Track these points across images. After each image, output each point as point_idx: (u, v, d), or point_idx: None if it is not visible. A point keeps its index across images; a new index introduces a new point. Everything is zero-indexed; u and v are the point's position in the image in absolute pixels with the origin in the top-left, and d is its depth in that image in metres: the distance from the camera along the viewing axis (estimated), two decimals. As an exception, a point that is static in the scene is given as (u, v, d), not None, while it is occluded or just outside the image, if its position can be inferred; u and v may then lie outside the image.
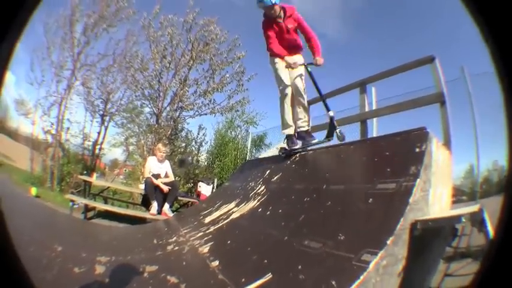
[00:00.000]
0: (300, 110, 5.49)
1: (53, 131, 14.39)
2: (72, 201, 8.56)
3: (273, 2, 5.21)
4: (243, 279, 2.66)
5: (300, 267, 2.46)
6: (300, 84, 5.45)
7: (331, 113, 5.21)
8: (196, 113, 16.38)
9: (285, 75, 5.43)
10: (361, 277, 1.95)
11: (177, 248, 4.51)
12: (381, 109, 6.43)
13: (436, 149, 3.05)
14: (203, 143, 19.13)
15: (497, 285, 0.94)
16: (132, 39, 15.39)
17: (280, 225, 3.55)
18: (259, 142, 18.35)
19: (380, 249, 2.08)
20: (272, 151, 7.70)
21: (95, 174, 13.51)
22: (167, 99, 15.61)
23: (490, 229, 2.06)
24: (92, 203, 9.22)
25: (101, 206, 9.51)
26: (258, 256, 3.08)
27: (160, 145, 8.53)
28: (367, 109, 6.53)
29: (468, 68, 6.91)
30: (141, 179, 13.93)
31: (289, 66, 5.29)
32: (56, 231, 5.08)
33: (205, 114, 16.47)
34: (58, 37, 14.79)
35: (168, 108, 15.60)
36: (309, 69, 5.35)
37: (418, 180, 2.52)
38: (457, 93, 6.73)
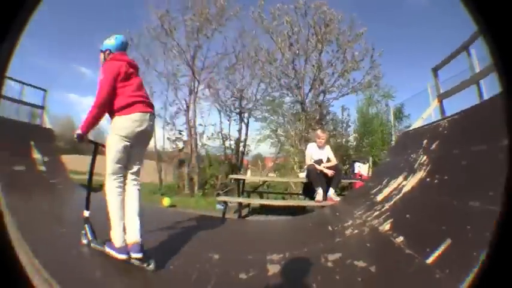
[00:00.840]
0: None
1: (184, 138, 15.03)
2: (223, 202, 8.49)
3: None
4: (428, 249, 2.84)
5: (469, 227, 2.70)
6: None
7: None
8: (339, 94, 16.47)
9: None
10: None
11: (356, 231, 4.49)
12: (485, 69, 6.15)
13: None
14: (349, 123, 19.10)
15: (497, 285, 0.95)
16: (250, 34, 15.42)
17: (448, 191, 3.67)
18: (399, 114, 18.05)
19: None
20: (419, 122, 8.04)
21: (248, 171, 15.10)
22: (307, 86, 15.63)
23: None
24: (246, 200, 9.38)
25: (256, 201, 9.74)
26: (436, 224, 3.20)
27: (319, 131, 8.48)
28: (477, 70, 6.39)
29: None
30: (296, 168, 15.15)
31: None
32: (207, 238, 4.95)
33: (347, 94, 16.59)
34: (154, 48, 15.49)
35: (310, 94, 15.79)
36: None
37: None
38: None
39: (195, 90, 14.89)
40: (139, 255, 3.43)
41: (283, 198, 11.12)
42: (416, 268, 2.78)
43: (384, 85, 19.51)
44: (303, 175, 10.49)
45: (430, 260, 2.70)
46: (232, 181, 12.61)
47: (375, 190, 5.75)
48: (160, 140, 15.72)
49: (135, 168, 3.84)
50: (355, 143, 19.60)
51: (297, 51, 15.34)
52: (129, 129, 3.65)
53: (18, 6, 0.89)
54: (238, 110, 15.41)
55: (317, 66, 15.25)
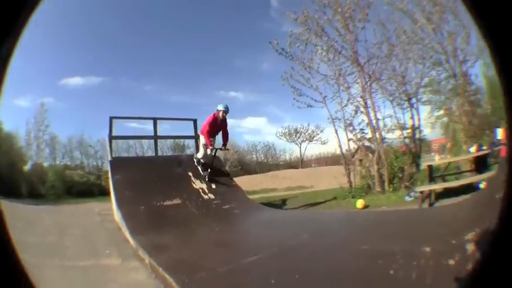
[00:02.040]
0: None
1: (368, 136, 15.36)
2: (414, 192, 9.44)
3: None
4: None
5: None
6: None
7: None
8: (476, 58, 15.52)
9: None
10: None
11: None
12: None
13: None
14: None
15: (496, 284, 0.96)
16: (392, 18, 15.53)
17: None
18: None
19: None
20: None
21: (436, 156, 15.27)
22: (451, 58, 15.49)
23: None
24: (427, 188, 9.46)
25: (436, 186, 9.67)
26: None
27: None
28: None
29: None
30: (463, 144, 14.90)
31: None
32: (413, 234, 4.90)
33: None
34: (308, 53, 15.79)
35: (457, 65, 15.50)
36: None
37: None
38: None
39: (368, 84, 15.04)
40: None
41: (456, 179, 11.28)
42: None
43: None
44: (472, 149, 11.80)
45: None
46: (422, 168, 12.44)
47: None
48: (344, 143, 16.19)
49: None
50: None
51: (434, 26, 15.39)
52: None
53: (18, 6, 0.93)
54: (405, 97, 15.45)
55: (454, 35, 15.22)
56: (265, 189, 23.18)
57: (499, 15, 0.89)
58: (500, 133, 11.99)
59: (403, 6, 15.38)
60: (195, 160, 11.08)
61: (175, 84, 60.45)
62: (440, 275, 3.04)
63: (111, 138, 11.73)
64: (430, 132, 17.64)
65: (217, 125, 10.60)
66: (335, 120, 15.59)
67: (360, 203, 10.62)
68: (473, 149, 11.74)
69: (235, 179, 12.64)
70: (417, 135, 15.42)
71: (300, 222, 8.07)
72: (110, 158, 10.85)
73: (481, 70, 19.78)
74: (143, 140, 30.19)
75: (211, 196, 9.38)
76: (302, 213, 11.23)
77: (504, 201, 1.03)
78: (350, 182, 15.24)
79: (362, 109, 14.95)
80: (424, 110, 17.83)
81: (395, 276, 3.23)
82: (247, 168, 44.37)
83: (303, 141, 49.38)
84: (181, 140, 32.24)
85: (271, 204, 13.01)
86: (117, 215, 8.11)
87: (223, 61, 64.12)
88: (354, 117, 15.31)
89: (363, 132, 15.27)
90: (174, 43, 56.61)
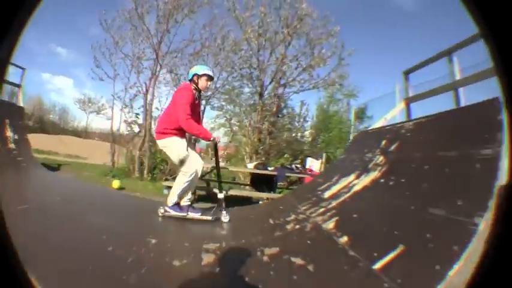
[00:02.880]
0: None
1: (140, 121, 15.70)
2: (169, 187, 7.94)
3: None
4: (375, 254, 2.82)
5: (428, 235, 2.64)
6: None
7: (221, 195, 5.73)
8: (300, 88, 17.76)
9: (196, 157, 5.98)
10: (473, 240, 2.18)
11: (298, 226, 4.56)
12: (467, 78, 6.24)
13: (505, 119, 2.98)
14: (307, 118, 20.28)
15: (496, 286, 0.95)
16: (220, 23, 16.20)
17: (404, 195, 3.75)
18: (361, 114, 18.94)
19: (486, 212, 2.31)
20: (381, 122, 7.93)
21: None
22: (268, 77, 17.04)
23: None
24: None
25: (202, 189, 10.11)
26: (387, 228, 3.31)
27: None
28: (457, 77, 6.51)
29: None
30: (246, 159, 16.05)
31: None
32: (147, 223, 5.16)
33: (308, 89, 17.84)
34: (126, 31, 15.91)
35: (270, 86, 17.17)
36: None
37: (503, 145, 2.77)
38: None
39: (157, 74, 15.76)
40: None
41: (231, 188, 10.92)
42: (360, 272, 2.77)
43: (348, 84, 20.94)
44: (251, 166, 11.85)
45: (377, 266, 2.68)
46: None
47: (323, 186, 5.97)
48: (117, 122, 16.89)
49: None
50: (310, 139, 21.36)
51: (264, 43, 16.83)
52: None
53: (18, 6, 0.89)
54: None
55: (281, 59, 16.79)
56: (50, 151, 23.70)
57: (499, 14, 0.88)
58: (310, 163, 13.38)
59: (241, 17, 16.49)
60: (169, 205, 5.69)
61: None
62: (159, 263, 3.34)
63: None
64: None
65: (195, 105, 5.73)
66: (116, 99, 16.21)
67: (115, 183, 10.96)
68: (251, 165, 12.41)
69: (32, 135, 11.89)
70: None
71: (56, 186, 8.34)
72: None
73: (318, 101, 21.82)
74: None
75: (13, 146, 9.00)
76: (62, 179, 10.82)
77: (504, 202, 1.01)
78: (113, 161, 15.97)
79: (141, 95, 15.60)
80: (211, 115, 19.87)
81: (113, 253, 3.39)
82: (43, 126, 44.08)
83: (91, 112, 50.21)
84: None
85: (48, 166, 12.54)
86: None
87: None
88: (132, 100, 15.81)
89: (137, 117, 15.88)
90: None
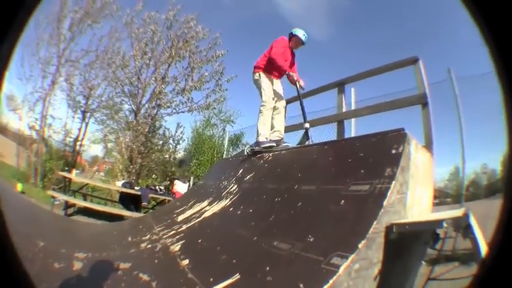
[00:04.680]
0: (279, 123, 6.87)
1: (37, 127, 16.36)
2: (53, 197, 10.15)
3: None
4: (211, 279, 2.90)
5: (268, 268, 2.64)
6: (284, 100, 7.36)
7: (307, 125, 6.41)
8: (174, 110, 18.68)
9: (275, 90, 6.86)
10: (331, 281, 2.09)
11: (150, 245, 4.87)
12: (359, 110, 7.03)
13: (414, 151, 3.25)
14: (181, 141, 20.82)
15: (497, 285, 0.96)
16: (115, 36, 17.51)
17: (250, 225, 3.92)
18: (236, 141, 20.24)
19: (351, 252, 2.23)
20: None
21: (74, 171, 15.35)
22: (146, 97, 17.88)
23: (478, 234, 2.15)
24: (71, 200, 10.51)
25: (80, 202, 10.72)
26: (227, 256, 3.36)
27: None
28: (344, 109, 7.09)
29: (455, 70, 7.16)
30: (119, 176, 16.55)
31: (293, 82, 6.72)
32: (39, 227, 5.48)
33: (183, 112, 18.84)
34: (47, 33, 16.52)
35: (146, 106, 17.85)
36: (300, 89, 6.79)
37: (394, 182, 2.69)
38: (443, 95, 7.14)
39: (56, 81, 16.36)
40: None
41: (105, 204, 12.92)
42: None
43: (227, 110, 22.36)
44: (119, 184, 12.73)
45: None
46: (63, 178, 13.77)
47: (179, 210, 6.37)
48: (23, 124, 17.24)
49: None
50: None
51: (148, 61, 17.66)
52: None
53: (18, 6, 0.91)
54: (83, 108, 17.66)
55: (160, 79, 17.66)
56: None
57: (499, 14, 0.90)
58: (177, 186, 13.67)
59: (135, 33, 17.37)
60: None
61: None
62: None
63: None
64: (87, 149, 19.63)
65: (288, 55, 6.85)
66: (25, 101, 16.54)
67: (19, 186, 11.90)
68: (120, 183, 13.26)
69: None
70: (77, 147, 17.36)
71: None
72: None
73: (194, 124, 22.21)
74: None
75: None
76: None
77: (504, 206, 0.99)
78: (18, 164, 16.49)
79: (42, 100, 16.31)
80: (95, 127, 19.98)
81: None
82: None
83: (10, 109, 45.81)
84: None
85: None
86: None
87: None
88: (34, 104, 16.34)
89: (35, 122, 16.42)
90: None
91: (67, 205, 9.89)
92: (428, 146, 4.42)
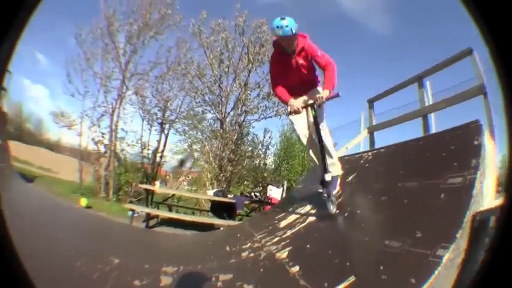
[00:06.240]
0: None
1: (106, 141, 16.14)
2: (132, 210, 9.33)
3: (294, 31, 4.54)
4: (326, 284, 2.82)
5: (381, 267, 2.61)
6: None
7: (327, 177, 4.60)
8: (261, 116, 18.43)
9: (300, 123, 5.10)
10: (436, 272, 2.14)
11: (252, 254, 4.55)
12: (438, 103, 6.59)
13: (487, 141, 3.40)
14: (269, 146, 20.46)
15: (496, 286, 0.93)
16: (185, 46, 16.92)
17: (360, 226, 3.85)
18: None
19: (451, 243, 2.28)
20: (341, 151, 8.05)
21: (157, 182, 16.12)
22: (230, 104, 17.54)
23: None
24: (154, 211, 10.05)
25: (164, 213, 10.23)
26: (339, 259, 3.25)
27: None
28: (426, 104, 6.85)
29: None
30: (208, 185, 16.12)
31: (293, 112, 4.69)
32: (112, 243, 5.47)
33: (270, 117, 18.54)
34: (97, 48, 16.34)
35: (232, 113, 17.56)
36: (313, 113, 4.64)
37: (479, 172, 2.81)
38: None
39: (123, 95, 16.40)
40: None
41: (193, 214, 11.34)
42: None
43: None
44: (211, 193, 12.22)
45: None
46: (143, 190, 13.54)
47: (280, 216, 5.99)
48: (86, 139, 16.94)
49: None
50: (273, 166, 21.77)
51: (227, 69, 17.35)
52: None
53: (18, 5, 0.90)
54: (160, 120, 17.46)
55: (243, 86, 17.33)
56: (26, 162, 22.29)
57: (499, 14, 0.88)
58: (270, 191, 13.17)
59: (206, 42, 17.05)
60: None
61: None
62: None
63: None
64: (170, 160, 19.18)
65: (287, 62, 4.80)
66: (85, 117, 16.47)
67: (83, 201, 11.34)
68: (211, 192, 12.90)
69: (11, 142, 11.60)
70: (157, 159, 16.96)
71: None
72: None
73: (281, 129, 21.98)
74: None
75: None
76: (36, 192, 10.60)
77: (504, 207, 0.99)
78: (81, 178, 16.36)
79: (108, 115, 16.14)
80: (175, 139, 20.00)
81: (80, 269, 3.47)
82: (21, 135, 41.09)
83: (63, 126, 47.59)
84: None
85: (24, 177, 12.33)
86: None
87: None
88: (99, 119, 16.22)
89: (102, 136, 16.18)
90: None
91: (148, 217, 9.54)
92: (492, 135, 4.33)
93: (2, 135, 9.99)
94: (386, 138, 8.05)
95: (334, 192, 4.69)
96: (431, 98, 7.09)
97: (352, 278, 2.67)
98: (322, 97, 4.43)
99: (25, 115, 50.99)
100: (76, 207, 10.32)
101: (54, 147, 47.39)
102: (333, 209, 4.46)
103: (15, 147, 21.75)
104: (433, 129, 6.63)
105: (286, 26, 4.44)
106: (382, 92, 8.23)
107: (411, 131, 7.36)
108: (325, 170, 4.56)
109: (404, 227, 3.03)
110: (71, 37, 16.51)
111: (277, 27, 4.48)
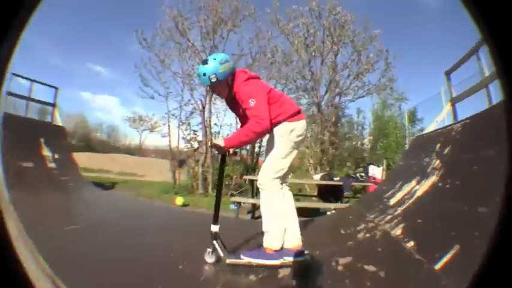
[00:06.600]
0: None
1: (199, 138, 16.05)
2: (237, 202, 9.46)
3: (218, 78, 3.66)
4: (437, 255, 2.95)
5: (476, 233, 2.70)
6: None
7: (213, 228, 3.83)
8: (355, 96, 18.36)
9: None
10: None
11: (368, 235, 4.71)
12: None
13: None
14: (364, 126, 21.10)
15: (495, 286, 0.97)
16: (267, 35, 16.56)
17: (461, 197, 3.86)
18: (412, 118, 19.60)
19: None
20: (433, 125, 8.57)
21: None
22: (323, 88, 17.47)
23: None
24: (259, 202, 8.63)
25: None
26: (446, 230, 3.39)
27: None
28: (486, 74, 6.67)
29: None
30: (310, 170, 16.12)
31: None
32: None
33: (362, 96, 18.46)
34: (170, 49, 16.22)
35: (326, 96, 17.53)
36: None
37: None
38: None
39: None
40: (301, 259, 3.65)
41: (297, 200, 10.90)
42: (424, 274, 2.95)
43: (397, 88, 21.13)
44: (317, 177, 12.21)
45: (438, 266, 2.86)
46: (247, 182, 13.45)
47: (388, 194, 6.16)
48: (175, 139, 16.96)
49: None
50: (369, 146, 21.77)
51: (313, 53, 17.33)
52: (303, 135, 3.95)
53: (18, 5, 0.92)
54: None
55: (332, 68, 17.38)
56: (101, 170, 24.97)
57: (499, 14, 0.89)
58: (372, 171, 13.17)
59: (286, 28, 17.08)
60: None
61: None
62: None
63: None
64: None
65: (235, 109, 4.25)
66: (171, 117, 16.59)
67: (179, 200, 11.34)
68: (318, 177, 12.86)
69: (78, 154, 12.14)
70: (255, 149, 17.00)
71: (116, 204, 9.17)
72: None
73: (372, 108, 21.74)
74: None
75: (53, 165, 9.42)
76: (122, 197, 11.92)
77: (504, 206, 1.02)
78: (175, 178, 16.46)
79: (198, 112, 16.10)
80: None
81: (184, 272, 3.49)
82: (90, 144, 46.37)
83: (144, 129, 51.55)
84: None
85: (101, 185, 13.65)
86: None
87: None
88: (188, 117, 16.42)
89: (195, 134, 16.37)
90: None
91: (254, 208, 9.41)
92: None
93: (62, 149, 10.45)
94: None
95: (259, 262, 3.55)
96: (486, 69, 6.74)
97: (457, 247, 2.80)
98: (210, 142, 3.82)
99: (92, 125, 54.19)
100: (171, 207, 10.50)
101: (135, 151, 50.68)
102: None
103: (85, 158, 23.86)
104: (494, 100, 6.29)
105: (204, 75, 3.67)
106: (455, 63, 8.04)
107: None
108: (215, 219, 3.79)
109: (489, 193, 2.94)
110: (128, 45, 16.83)
111: (197, 75, 3.87)
